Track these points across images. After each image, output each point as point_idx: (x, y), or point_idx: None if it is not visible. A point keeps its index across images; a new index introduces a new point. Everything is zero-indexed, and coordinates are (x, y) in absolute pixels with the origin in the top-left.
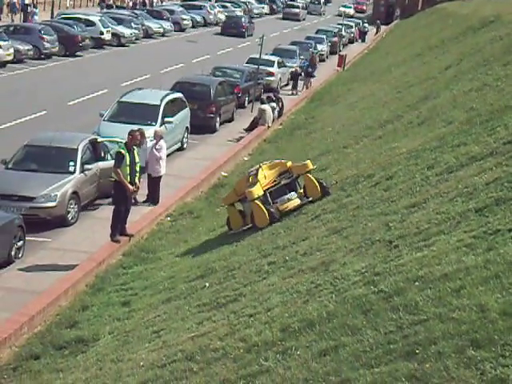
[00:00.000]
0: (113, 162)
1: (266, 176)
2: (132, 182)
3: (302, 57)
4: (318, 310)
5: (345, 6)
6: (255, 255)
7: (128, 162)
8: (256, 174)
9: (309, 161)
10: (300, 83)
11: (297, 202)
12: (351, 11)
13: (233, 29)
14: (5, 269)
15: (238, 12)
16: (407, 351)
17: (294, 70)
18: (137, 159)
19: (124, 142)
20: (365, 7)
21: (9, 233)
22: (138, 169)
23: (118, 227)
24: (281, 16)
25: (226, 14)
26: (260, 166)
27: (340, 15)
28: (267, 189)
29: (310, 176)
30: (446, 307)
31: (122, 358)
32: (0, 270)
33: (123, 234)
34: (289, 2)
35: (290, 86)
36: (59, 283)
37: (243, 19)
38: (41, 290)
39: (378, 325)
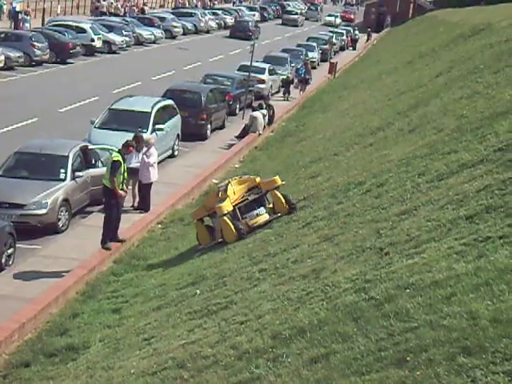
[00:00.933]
0: (104, 169)
1: (235, 191)
2: (122, 188)
3: (292, 64)
4: (309, 317)
5: (331, 16)
6: (246, 262)
7: (122, 171)
8: (225, 190)
9: (277, 177)
10: (293, 90)
11: (266, 217)
12: (338, 20)
13: (240, 32)
14: None
15: (247, 17)
16: (398, 358)
17: (285, 76)
18: (125, 167)
19: (118, 149)
20: (352, 16)
21: None
22: (126, 175)
23: (109, 235)
24: (279, 22)
25: (235, 18)
26: (229, 182)
27: (327, 25)
28: (236, 204)
29: (277, 192)
30: (437, 314)
31: (112, 366)
32: None
33: (115, 239)
34: (288, 9)
35: (281, 93)
36: (50, 290)
37: (250, 24)
38: (31, 297)
39: (368, 332)
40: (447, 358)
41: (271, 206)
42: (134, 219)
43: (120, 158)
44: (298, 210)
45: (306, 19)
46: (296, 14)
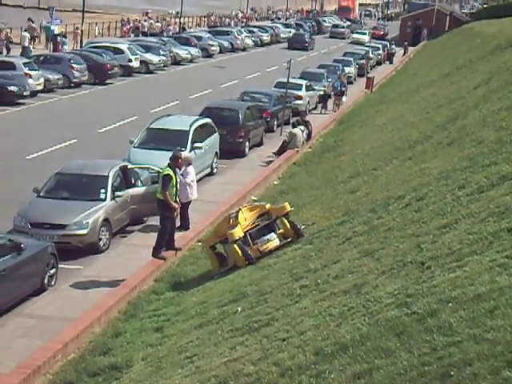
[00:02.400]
0: (143, 188)
1: (246, 218)
2: (175, 200)
3: (329, 79)
4: (351, 332)
5: (359, 33)
6: (287, 279)
7: (174, 184)
8: (236, 217)
9: (287, 203)
10: (330, 103)
11: (276, 242)
12: (366, 38)
13: (297, 43)
14: (38, 297)
15: (306, 29)
16: (442, 373)
17: (323, 91)
18: (178, 179)
19: (168, 163)
20: (382, 32)
21: (42, 261)
22: (178, 187)
23: (162, 245)
24: (327, 35)
25: (293, 31)
26: (240, 209)
27: (354, 43)
28: (247, 230)
29: (284, 220)
30: (481, 328)
31: None
32: (33, 298)
33: (172, 248)
34: (335, 23)
35: (318, 109)
36: (92, 310)
37: (306, 36)
38: (74, 317)
39: (411, 347)
40: (492, 372)
41: (282, 231)
42: (174, 237)
43: (170, 172)
44: (304, 236)
45: (352, 32)
46: (343, 27)
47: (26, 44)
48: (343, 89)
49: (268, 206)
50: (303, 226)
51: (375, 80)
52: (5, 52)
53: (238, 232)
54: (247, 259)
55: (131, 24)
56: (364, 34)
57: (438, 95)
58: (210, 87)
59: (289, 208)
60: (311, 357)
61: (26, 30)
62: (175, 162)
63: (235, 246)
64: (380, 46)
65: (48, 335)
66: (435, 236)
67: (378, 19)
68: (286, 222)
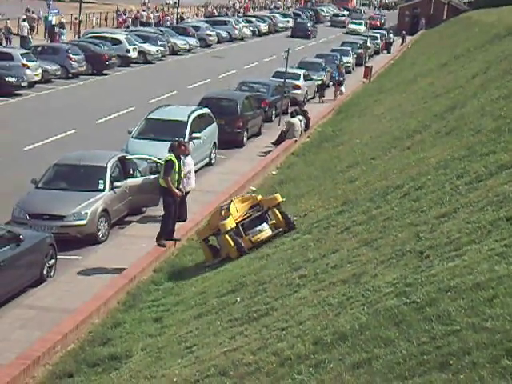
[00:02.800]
0: (141, 178)
1: (237, 209)
2: (178, 188)
3: (328, 69)
4: (350, 322)
5: (355, 23)
6: (286, 269)
7: (177, 170)
8: (228, 208)
9: (277, 194)
10: (328, 92)
11: (268, 232)
12: (363, 28)
13: (300, 32)
14: (37, 288)
15: (304, 18)
16: (441, 362)
17: (321, 81)
18: (181, 167)
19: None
20: (379, 22)
21: (40, 252)
22: (182, 175)
23: (166, 232)
24: (326, 24)
25: (296, 20)
26: (232, 201)
27: (350, 33)
28: (239, 221)
29: (276, 211)
30: (480, 317)
31: (155, 375)
32: (32, 289)
33: (170, 238)
34: (335, 12)
35: (316, 98)
36: (91, 301)
37: (308, 24)
38: (73, 308)
39: (410, 336)
40: (491, 360)
41: (274, 222)
42: (175, 228)
43: (173, 158)
44: (295, 228)
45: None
46: (343, 15)
47: (25, 34)
48: (341, 79)
49: (259, 197)
50: (295, 217)
51: (373, 69)
52: (4, 43)
53: (230, 223)
54: (239, 250)
55: (127, 14)
56: (360, 24)
57: (436, 84)
58: (208, 77)
59: (280, 199)
60: (310, 346)
61: (24, 20)
62: (179, 149)
63: (227, 236)
64: (378, 35)
65: (47, 326)
66: (434, 225)
67: (375, 8)
68: (277, 212)
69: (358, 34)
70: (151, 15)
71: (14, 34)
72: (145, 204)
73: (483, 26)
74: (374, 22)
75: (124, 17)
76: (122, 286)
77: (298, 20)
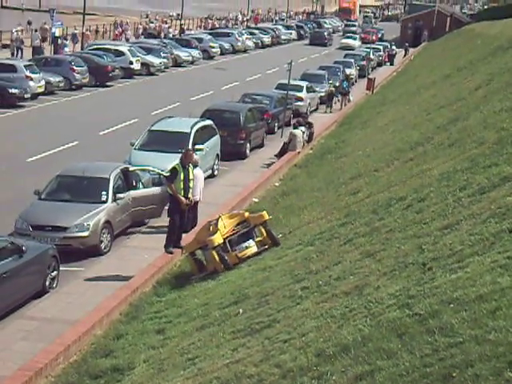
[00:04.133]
0: (145, 190)
1: (225, 225)
2: (186, 196)
3: (330, 81)
4: (353, 334)
5: (349, 38)
6: (288, 281)
7: (181, 178)
8: (216, 224)
9: (265, 211)
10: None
11: (254, 249)
12: (357, 43)
13: (318, 40)
14: (39, 299)
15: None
16: (444, 374)
17: (329, 90)
18: (191, 176)
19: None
20: (374, 37)
21: (43, 263)
22: (191, 185)
23: (173, 239)
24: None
25: (314, 29)
26: (220, 217)
27: (343, 49)
28: (227, 237)
29: (261, 228)
30: (482, 329)
31: None
32: (35, 301)
33: (177, 246)
34: (347, 23)
35: (320, 110)
36: (94, 312)
37: (325, 33)
38: (75, 319)
39: (413, 348)
40: (494, 373)
41: (260, 239)
42: (181, 236)
43: (177, 166)
44: (280, 244)
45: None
46: (354, 26)
47: (38, 44)
48: (349, 90)
49: (247, 214)
50: (280, 235)
51: (376, 81)
52: (16, 54)
53: (218, 239)
54: (224, 264)
55: (123, 26)
56: (354, 38)
57: (439, 96)
58: (210, 89)
59: (267, 217)
60: (313, 358)
61: (36, 31)
62: (183, 158)
63: (213, 252)
64: (381, 47)
65: (50, 337)
66: (437, 237)
67: (368, 23)
68: (263, 231)
69: (352, 49)
70: (163, 26)
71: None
72: (147, 215)
73: (486, 38)
74: (368, 37)
75: (120, 29)
76: (125, 297)
77: (316, 29)
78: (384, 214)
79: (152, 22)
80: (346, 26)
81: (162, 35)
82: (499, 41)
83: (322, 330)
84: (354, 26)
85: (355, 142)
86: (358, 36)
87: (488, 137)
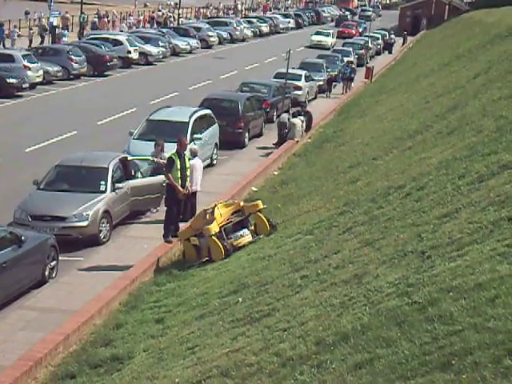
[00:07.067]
0: (143, 179)
1: (221, 214)
2: (183, 186)
3: (328, 70)
4: (352, 322)
5: (320, 34)
6: (287, 269)
7: (178, 167)
8: (212, 212)
9: (259, 201)
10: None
11: (249, 238)
12: (330, 40)
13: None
14: (39, 289)
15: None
16: (443, 362)
17: (330, 75)
18: (187, 164)
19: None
20: (354, 31)
21: (42, 253)
22: (188, 173)
23: (171, 228)
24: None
25: (339, 14)
26: (216, 205)
27: (314, 47)
28: (222, 226)
29: (260, 215)
30: (482, 317)
31: (157, 376)
32: (34, 290)
33: (176, 235)
34: (363, 8)
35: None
36: (93, 302)
37: (349, 17)
38: (75, 309)
39: (412, 336)
40: (493, 360)
41: (253, 228)
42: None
43: (172, 155)
44: (277, 230)
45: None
46: (369, 11)
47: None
48: (352, 75)
49: (242, 203)
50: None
51: (375, 70)
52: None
53: (214, 227)
54: (226, 252)
55: (109, 17)
56: (327, 34)
57: (438, 85)
58: (209, 78)
59: (261, 206)
60: (312, 347)
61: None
62: (179, 146)
63: (215, 239)
64: (379, 35)
65: (49, 327)
66: (435, 225)
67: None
68: (262, 217)
69: (324, 48)
70: (170, 14)
71: (20, 35)
72: (146, 205)
73: (484, 26)
74: (347, 31)
75: (106, 19)
76: (124, 287)
77: (340, 14)
78: (383, 202)
79: (160, 10)
80: (361, 10)
81: (169, 24)
82: (498, 29)
83: (322, 318)
84: (369, 11)
85: (354, 130)
86: (330, 32)
87: (487, 125)
